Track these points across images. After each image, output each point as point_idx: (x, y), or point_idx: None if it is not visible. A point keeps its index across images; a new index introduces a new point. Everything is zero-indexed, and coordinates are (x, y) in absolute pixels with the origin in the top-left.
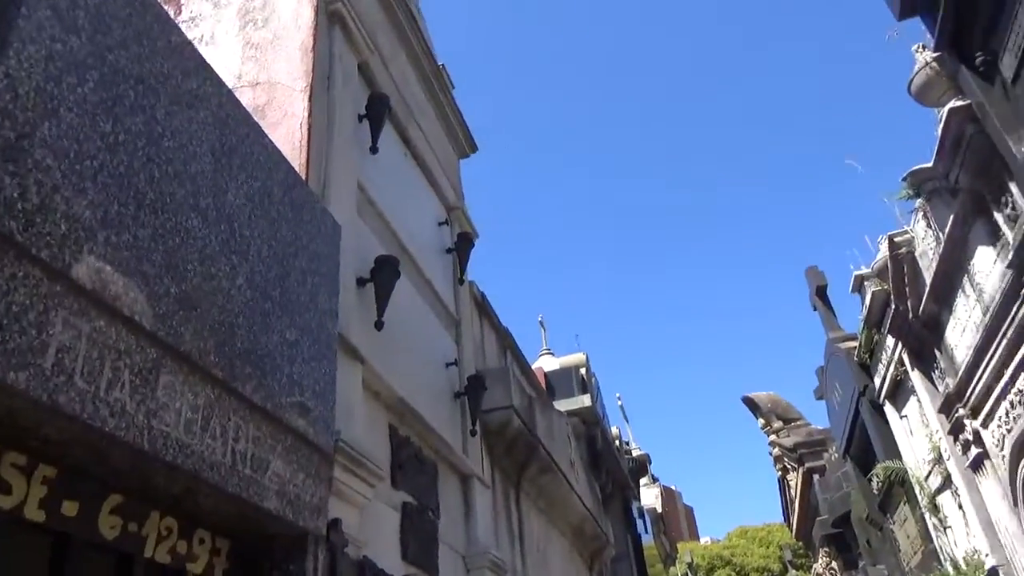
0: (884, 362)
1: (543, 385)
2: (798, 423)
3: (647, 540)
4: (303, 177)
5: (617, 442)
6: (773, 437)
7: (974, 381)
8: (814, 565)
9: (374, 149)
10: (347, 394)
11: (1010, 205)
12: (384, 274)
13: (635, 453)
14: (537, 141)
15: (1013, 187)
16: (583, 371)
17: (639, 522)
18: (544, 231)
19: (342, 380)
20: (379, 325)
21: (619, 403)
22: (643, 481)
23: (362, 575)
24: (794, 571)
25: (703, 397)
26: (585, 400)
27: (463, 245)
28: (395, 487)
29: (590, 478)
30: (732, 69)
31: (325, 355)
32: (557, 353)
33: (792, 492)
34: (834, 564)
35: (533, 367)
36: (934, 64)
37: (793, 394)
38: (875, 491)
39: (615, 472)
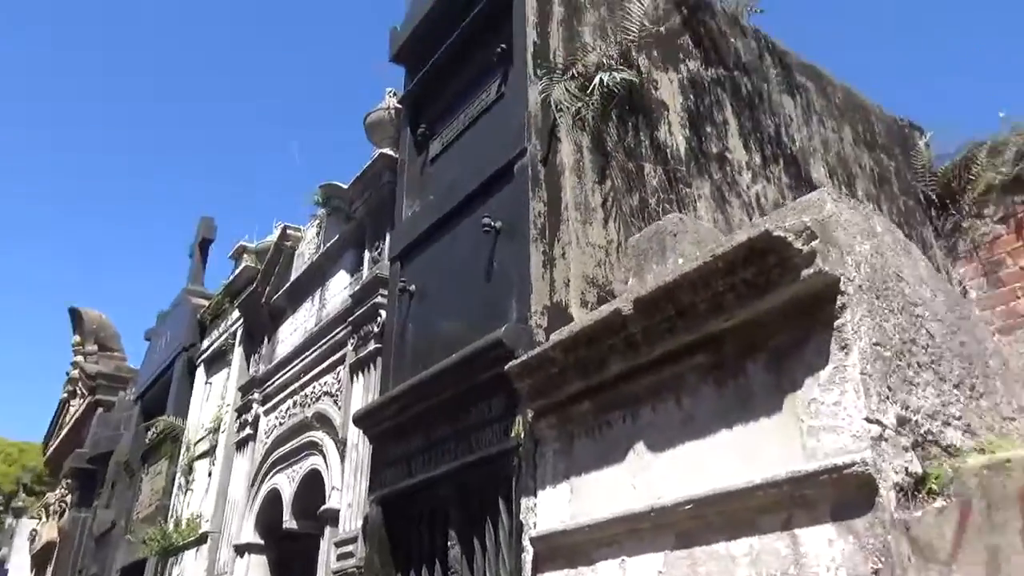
0: (221, 329)
1: None
2: (115, 354)
3: None
4: None
5: None
6: (80, 358)
7: (279, 375)
8: (49, 494)
9: None
10: None
11: (379, 250)
12: None
13: None
14: None
15: (388, 238)
16: None
17: None
18: None
19: None
20: None
21: None
22: None
23: None
24: (24, 495)
25: (32, 293)
26: None
27: None
28: None
29: None
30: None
31: None
32: None
33: (67, 417)
34: (69, 497)
35: None
36: (392, 112)
37: (129, 325)
38: (147, 440)
39: None
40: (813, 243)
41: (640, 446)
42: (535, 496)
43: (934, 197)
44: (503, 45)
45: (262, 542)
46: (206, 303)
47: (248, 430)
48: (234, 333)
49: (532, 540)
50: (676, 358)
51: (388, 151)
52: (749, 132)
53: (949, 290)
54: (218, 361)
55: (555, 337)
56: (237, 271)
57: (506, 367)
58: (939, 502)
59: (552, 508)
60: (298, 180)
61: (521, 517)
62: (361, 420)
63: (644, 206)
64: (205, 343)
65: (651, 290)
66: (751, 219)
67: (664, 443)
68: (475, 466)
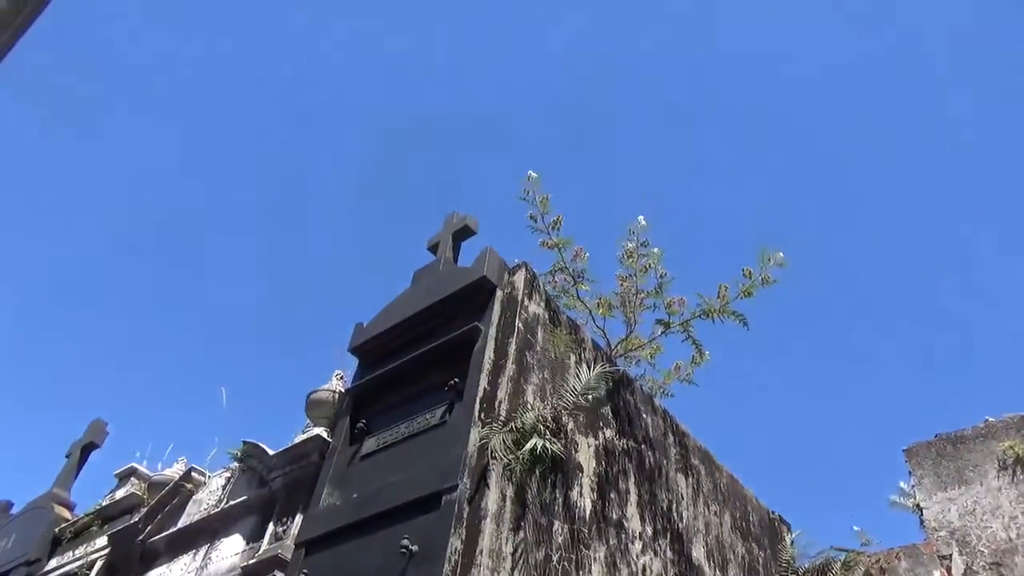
0: (78, 553)
1: None
2: None
3: None
4: None
5: None
6: None
7: None
8: None
9: None
10: None
11: (285, 527)
12: None
13: None
14: None
15: (298, 519)
16: None
17: None
18: None
19: None
20: None
21: None
22: None
23: None
24: None
25: None
26: None
27: None
28: None
29: None
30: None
31: None
32: None
33: None
34: None
35: None
36: (336, 395)
37: None
38: None
39: None
40: None
41: None
42: None
43: None
44: (456, 379)
45: None
46: (69, 517)
47: None
48: (92, 563)
49: None
50: None
51: (323, 433)
52: (646, 504)
53: None
54: None
55: None
56: (120, 493)
57: None
58: None
59: None
60: (215, 423)
61: None
62: None
63: (548, 562)
64: (53, 562)
65: None
66: None
67: None
68: None
